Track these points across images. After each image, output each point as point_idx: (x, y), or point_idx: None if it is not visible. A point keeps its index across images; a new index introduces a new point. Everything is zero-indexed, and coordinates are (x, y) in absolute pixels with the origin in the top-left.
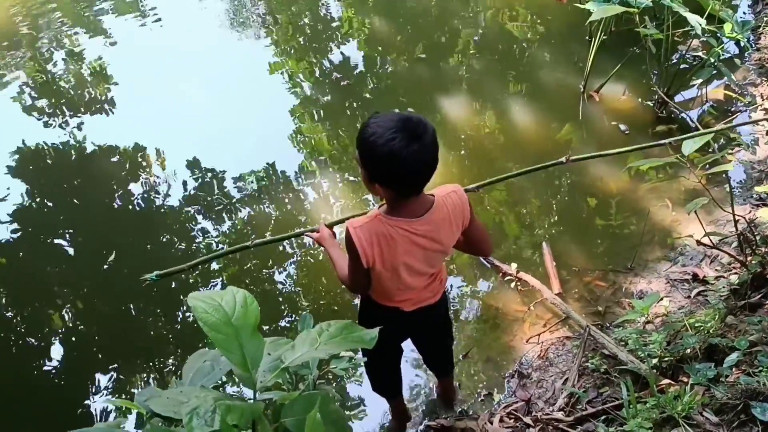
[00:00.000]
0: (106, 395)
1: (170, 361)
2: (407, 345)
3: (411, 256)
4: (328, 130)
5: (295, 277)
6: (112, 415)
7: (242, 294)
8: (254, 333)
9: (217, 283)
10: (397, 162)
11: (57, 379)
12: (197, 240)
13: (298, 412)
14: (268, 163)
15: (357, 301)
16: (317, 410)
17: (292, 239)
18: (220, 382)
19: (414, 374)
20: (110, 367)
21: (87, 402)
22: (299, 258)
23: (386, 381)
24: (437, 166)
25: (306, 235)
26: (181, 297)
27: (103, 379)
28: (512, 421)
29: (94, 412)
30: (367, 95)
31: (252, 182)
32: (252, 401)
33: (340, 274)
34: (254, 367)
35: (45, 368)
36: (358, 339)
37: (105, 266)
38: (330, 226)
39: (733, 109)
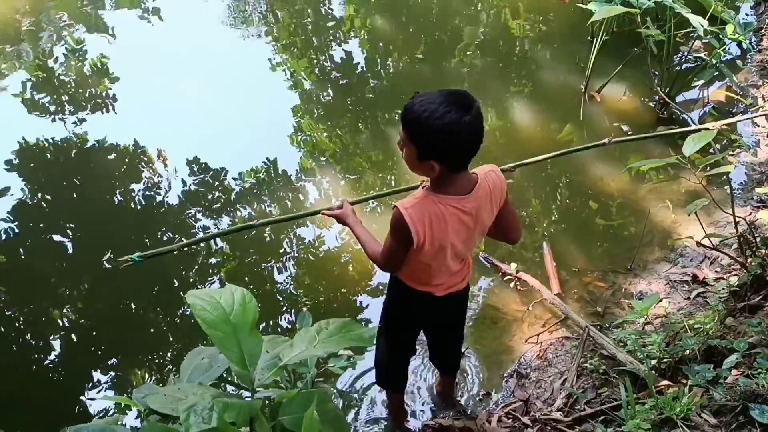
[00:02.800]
0: (105, 392)
1: (169, 357)
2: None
3: (457, 236)
4: (329, 128)
5: (295, 275)
6: (111, 411)
7: (241, 292)
8: (252, 331)
9: (214, 281)
10: (454, 134)
11: (55, 376)
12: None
13: (295, 410)
14: (268, 160)
15: (358, 298)
16: (314, 408)
17: (295, 228)
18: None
19: (415, 373)
20: (109, 363)
21: (85, 399)
22: (299, 254)
23: (398, 374)
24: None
25: (325, 213)
26: (181, 293)
27: (101, 376)
28: (510, 420)
29: (91, 409)
30: (368, 94)
31: (252, 179)
32: (250, 399)
33: (369, 252)
34: (252, 365)
35: (43, 364)
36: (357, 337)
37: (104, 263)
38: (353, 204)
39: (734, 111)
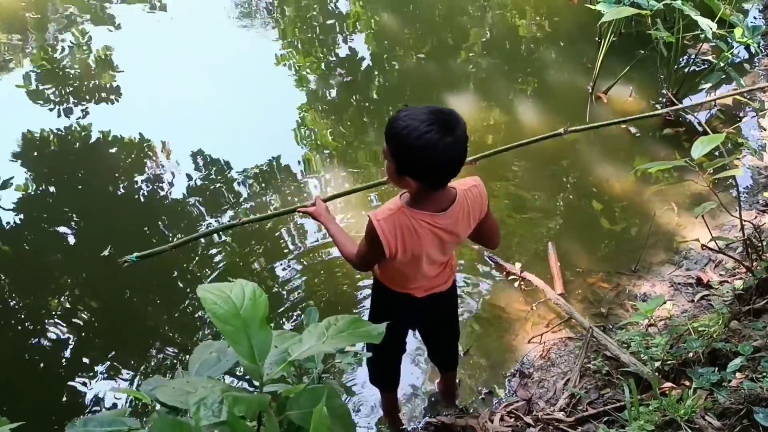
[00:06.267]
0: (105, 383)
1: (172, 351)
2: (411, 342)
3: (432, 246)
4: (332, 124)
5: (297, 271)
6: (117, 404)
7: (251, 286)
8: (262, 325)
9: (217, 277)
10: (431, 154)
11: (58, 368)
12: (200, 230)
13: (303, 405)
14: (272, 155)
15: (362, 296)
16: (324, 404)
17: (298, 224)
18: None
19: (416, 371)
20: (114, 356)
21: (87, 390)
22: (303, 251)
23: (386, 372)
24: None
25: (300, 211)
26: (182, 286)
27: (103, 368)
28: (513, 420)
29: (96, 401)
30: (372, 92)
31: (255, 173)
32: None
33: (343, 250)
34: (261, 360)
35: (48, 356)
36: (366, 334)
37: (107, 255)
38: (326, 201)
39: (741, 114)
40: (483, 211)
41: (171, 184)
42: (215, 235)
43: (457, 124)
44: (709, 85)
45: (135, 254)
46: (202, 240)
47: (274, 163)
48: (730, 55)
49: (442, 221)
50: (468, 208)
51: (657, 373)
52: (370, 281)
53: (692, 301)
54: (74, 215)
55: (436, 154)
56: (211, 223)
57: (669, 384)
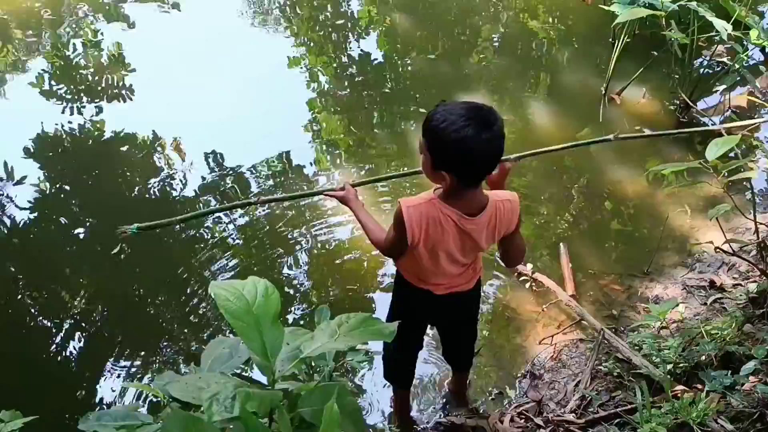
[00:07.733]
0: (118, 379)
1: (182, 348)
2: (425, 343)
3: (453, 244)
4: (345, 124)
5: (310, 270)
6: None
7: (264, 283)
8: (274, 322)
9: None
10: (468, 149)
11: (71, 363)
12: (209, 228)
13: (315, 402)
14: (283, 153)
15: (371, 295)
16: (335, 402)
17: (309, 223)
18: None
19: (427, 371)
20: (124, 352)
21: (100, 386)
22: (316, 250)
23: (401, 369)
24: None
25: (328, 194)
26: (194, 283)
27: (116, 364)
28: (523, 421)
29: (107, 397)
30: (384, 92)
31: (267, 172)
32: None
33: (371, 236)
34: (273, 356)
35: (59, 352)
36: (377, 332)
37: (119, 253)
38: (354, 186)
39: (756, 117)
40: (511, 227)
41: (183, 183)
42: (227, 233)
43: (495, 120)
44: (723, 86)
45: (135, 225)
46: (217, 239)
47: (286, 162)
48: (745, 57)
49: (468, 225)
50: (496, 220)
51: (669, 376)
52: (385, 281)
53: (705, 304)
54: (86, 213)
55: (473, 149)
56: (221, 219)
57: (681, 387)
